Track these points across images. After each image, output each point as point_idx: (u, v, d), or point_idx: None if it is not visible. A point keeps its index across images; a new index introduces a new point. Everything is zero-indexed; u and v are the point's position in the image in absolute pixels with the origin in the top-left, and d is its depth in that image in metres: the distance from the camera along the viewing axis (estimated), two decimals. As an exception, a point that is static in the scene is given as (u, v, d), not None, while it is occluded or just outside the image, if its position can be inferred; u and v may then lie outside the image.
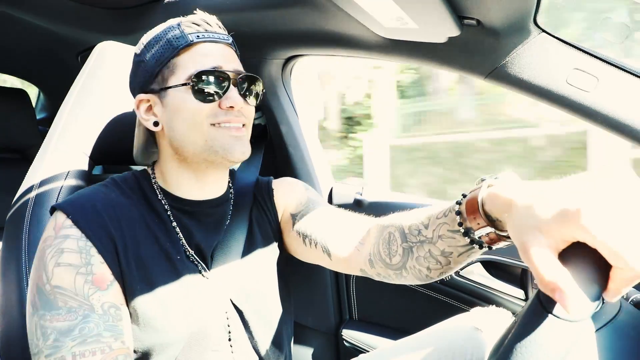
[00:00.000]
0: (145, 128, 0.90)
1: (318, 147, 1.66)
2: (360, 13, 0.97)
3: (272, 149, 1.56)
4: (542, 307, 0.44)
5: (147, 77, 0.83)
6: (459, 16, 0.92)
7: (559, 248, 0.44)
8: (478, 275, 1.28)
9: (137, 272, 0.77)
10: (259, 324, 0.91)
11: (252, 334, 0.90)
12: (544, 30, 0.94)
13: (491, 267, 1.29)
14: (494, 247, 0.63)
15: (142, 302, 0.76)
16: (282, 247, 1.02)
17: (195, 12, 0.84)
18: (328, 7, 1.06)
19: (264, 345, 0.91)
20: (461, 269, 1.28)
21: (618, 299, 0.70)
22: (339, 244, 0.89)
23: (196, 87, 0.79)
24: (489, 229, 0.60)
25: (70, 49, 1.71)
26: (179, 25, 0.82)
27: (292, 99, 1.58)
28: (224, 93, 0.81)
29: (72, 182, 1.00)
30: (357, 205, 1.49)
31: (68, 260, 0.71)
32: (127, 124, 1.06)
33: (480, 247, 0.64)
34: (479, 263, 1.27)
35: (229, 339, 0.87)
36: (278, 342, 0.95)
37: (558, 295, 0.41)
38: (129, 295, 0.76)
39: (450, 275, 1.30)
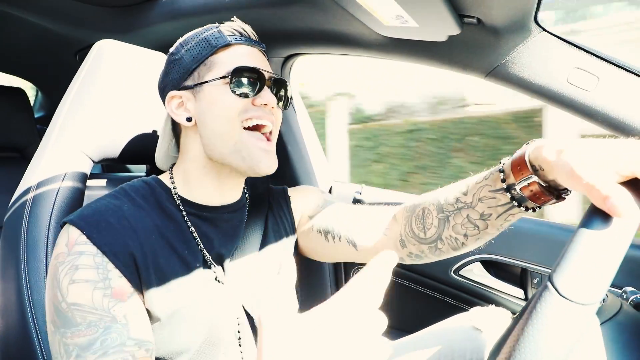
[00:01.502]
0: (172, 129, 0.90)
1: (317, 146, 1.65)
2: (360, 11, 0.96)
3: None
4: (556, 291, 0.45)
5: (181, 74, 0.84)
6: (460, 15, 0.92)
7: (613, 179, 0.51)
8: (477, 275, 1.28)
9: (155, 281, 0.76)
10: None
11: None
12: (544, 29, 0.94)
13: (491, 266, 1.29)
14: (531, 207, 0.66)
15: (159, 309, 0.75)
16: (299, 252, 1.02)
17: (232, 19, 0.87)
18: (328, 5, 1.06)
19: None
20: (461, 268, 1.28)
21: (618, 300, 0.70)
22: (364, 232, 0.90)
23: (233, 82, 0.80)
24: (533, 178, 0.62)
25: (68, 47, 1.71)
26: (217, 27, 0.85)
27: (293, 101, 1.58)
28: (259, 91, 0.82)
29: (71, 181, 0.99)
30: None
31: (84, 277, 0.70)
32: (126, 123, 1.05)
33: (519, 205, 0.66)
34: (479, 263, 1.27)
35: (239, 345, 0.87)
36: None
37: (609, 203, 0.47)
38: (147, 303, 0.75)
39: (450, 275, 1.30)
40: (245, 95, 0.81)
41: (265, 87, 0.83)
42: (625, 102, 0.91)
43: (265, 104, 0.82)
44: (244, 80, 0.81)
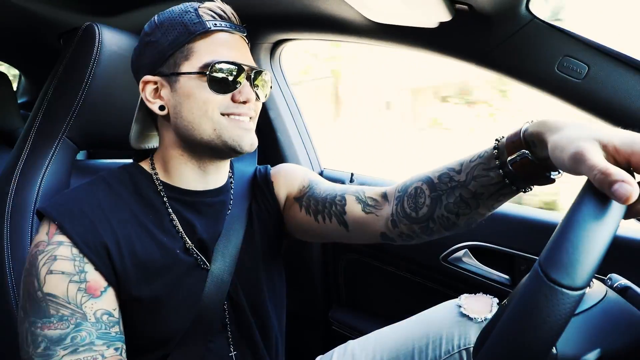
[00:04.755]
0: (147, 112, 0.87)
1: (307, 133, 1.64)
2: (350, -4, 0.95)
3: (261, 135, 1.55)
4: (544, 276, 0.45)
5: (156, 59, 0.81)
6: (451, 0, 0.91)
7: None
8: (466, 262, 1.29)
9: (134, 270, 0.76)
10: (255, 315, 0.91)
11: (248, 325, 0.90)
12: (535, 17, 0.94)
13: (479, 253, 1.30)
14: (522, 188, 0.66)
15: (139, 295, 0.75)
16: (287, 234, 1.02)
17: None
18: (318, -11, 1.05)
19: (260, 335, 0.91)
20: (449, 255, 1.29)
21: (603, 287, 0.71)
22: (355, 212, 0.88)
23: (211, 77, 0.77)
24: (525, 154, 0.62)
25: (51, 30, 1.66)
26: (196, 10, 0.80)
27: (281, 84, 1.56)
28: (238, 86, 0.80)
29: (55, 168, 0.97)
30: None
31: (61, 268, 0.70)
32: (111, 108, 1.03)
33: (511, 183, 0.66)
34: (467, 250, 1.28)
35: (227, 331, 0.87)
36: (273, 332, 0.95)
37: (618, 185, 0.45)
38: (127, 293, 0.75)
39: (438, 262, 1.31)
40: (224, 91, 0.79)
41: (245, 82, 0.81)
42: (615, 90, 0.91)
43: (245, 101, 0.81)
44: (223, 75, 0.78)
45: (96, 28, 1.02)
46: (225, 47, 0.80)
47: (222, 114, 0.80)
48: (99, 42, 1.01)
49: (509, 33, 0.96)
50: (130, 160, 0.92)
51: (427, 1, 0.88)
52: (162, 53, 0.80)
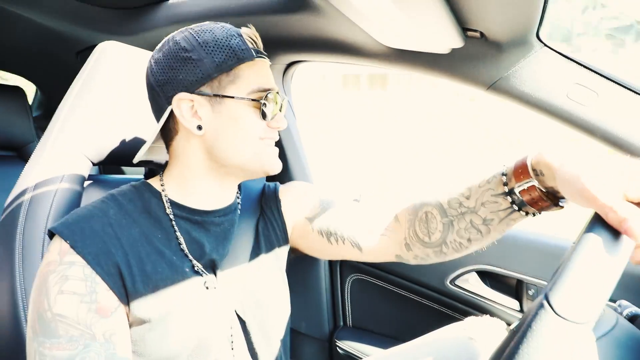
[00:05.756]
0: (168, 128, 0.86)
1: (315, 154, 1.65)
2: (363, 20, 0.97)
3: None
4: (552, 309, 0.44)
5: (198, 78, 0.79)
6: (463, 28, 0.93)
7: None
8: (473, 285, 1.28)
9: (143, 289, 0.76)
10: (260, 334, 0.90)
11: (253, 344, 0.89)
12: (546, 45, 0.95)
13: (486, 277, 1.29)
14: (531, 212, 0.67)
15: (148, 313, 0.75)
16: (293, 251, 1.02)
17: (248, 26, 0.84)
18: (331, 13, 1.07)
19: (264, 354, 0.91)
20: (457, 279, 1.29)
21: (614, 314, 0.71)
22: (368, 235, 0.89)
23: (259, 104, 0.81)
24: (532, 182, 0.62)
25: (69, 47, 1.70)
26: (241, 36, 0.81)
27: (292, 106, 1.58)
28: (276, 114, 0.84)
29: (69, 183, 0.98)
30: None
31: (72, 289, 0.70)
32: (127, 126, 1.05)
33: (519, 209, 0.67)
34: (475, 273, 1.28)
35: (232, 349, 0.86)
36: (278, 351, 0.94)
37: (626, 225, 0.45)
38: (136, 311, 0.75)
39: (446, 285, 1.30)
40: (266, 118, 0.82)
41: (280, 110, 0.85)
42: (624, 118, 0.92)
43: (279, 127, 0.85)
44: (269, 102, 0.82)
45: (113, 46, 1.04)
46: (266, 76, 0.83)
47: (260, 139, 0.83)
48: (115, 59, 1.03)
49: (519, 60, 0.97)
50: (141, 177, 0.93)
51: (439, 28, 0.90)
52: (206, 73, 0.78)
